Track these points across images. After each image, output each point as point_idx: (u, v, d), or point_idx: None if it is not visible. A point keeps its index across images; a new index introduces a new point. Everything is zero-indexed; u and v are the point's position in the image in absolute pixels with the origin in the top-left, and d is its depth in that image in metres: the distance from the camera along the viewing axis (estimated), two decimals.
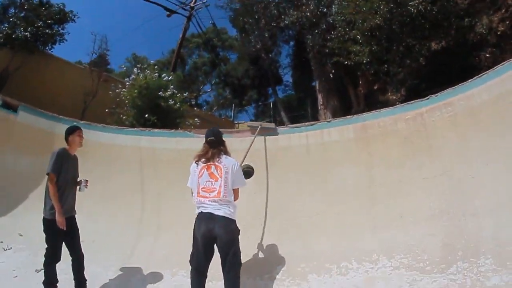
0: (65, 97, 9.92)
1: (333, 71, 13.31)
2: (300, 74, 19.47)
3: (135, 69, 8.65)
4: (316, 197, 4.97)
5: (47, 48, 10.76)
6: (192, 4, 18.07)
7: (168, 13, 17.15)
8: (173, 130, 6.17)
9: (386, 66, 10.05)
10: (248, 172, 4.86)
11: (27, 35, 9.70)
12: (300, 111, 18.89)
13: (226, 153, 3.76)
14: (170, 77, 8.81)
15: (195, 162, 3.71)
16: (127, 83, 8.74)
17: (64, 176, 3.95)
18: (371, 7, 9.22)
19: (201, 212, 3.43)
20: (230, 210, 3.44)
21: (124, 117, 8.12)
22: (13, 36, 9.59)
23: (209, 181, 3.51)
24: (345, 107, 13.58)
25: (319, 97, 14.83)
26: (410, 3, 8.47)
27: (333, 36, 11.27)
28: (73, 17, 11.10)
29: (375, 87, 13.34)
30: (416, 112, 4.66)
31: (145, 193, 5.72)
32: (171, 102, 8.25)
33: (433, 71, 9.70)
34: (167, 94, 8.26)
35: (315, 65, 14.54)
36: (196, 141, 5.57)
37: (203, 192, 3.48)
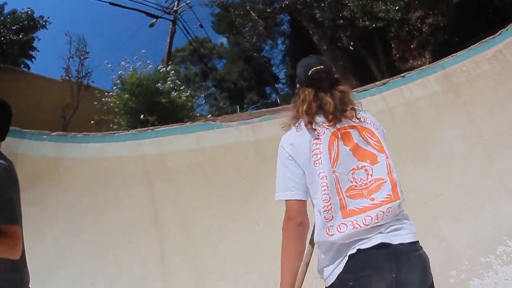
0: (42, 115, 7.70)
1: (351, 42, 11.36)
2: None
3: (120, 72, 6.46)
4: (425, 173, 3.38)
5: (19, 62, 8.75)
6: (175, 8, 16.30)
7: (151, 21, 15.25)
8: (188, 123, 4.04)
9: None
10: None
11: None
12: None
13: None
14: (170, 67, 6.74)
15: (306, 127, 1.37)
16: (115, 90, 6.58)
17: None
18: None
19: (360, 250, 1.22)
20: (412, 225, 1.36)
21: (115, 127, 5.94)
22: None
23: (359, 168, 1.33)
24: (366, 84, 11.76)
25: None
26: None
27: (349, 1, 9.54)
28: (43, 23, 9.03)
29: (401, 54, 11.52)
30: (493, 50, 3.86)
31: (163, 225, 3.50)
32: (174, 95, 6.11)
33: (457, 25, 8.32)
34: (168, 87, 6.12)
35: (325, 45, 12.68)
36: (228, 133, 3.59)
37: (355, 201, 1.29)
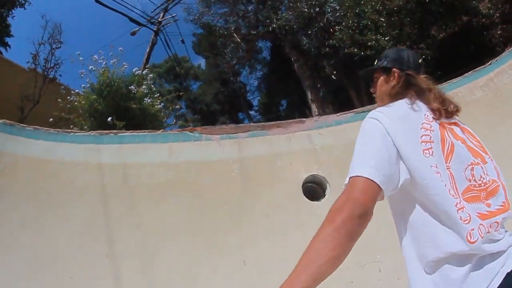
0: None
1: (334, 72, 11.25)
2: (278, 92, 17.79)
3: (90, 67, 5.57)
4: None
5: None
6: (160, 19, 15.80)
7: (134, 30, 14.60)
8: (160, 131, 3.29)
9: None
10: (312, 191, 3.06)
11: None
12: None
13: None
14: (146, 71, 5.98)
15: (415, 108, 1.15)
16: (83, 89, 5.72)
17: None
18: None
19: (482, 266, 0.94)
20: None
21: (75, 128, 5.04)
22: None
23: (476, 164, 1.08)
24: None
25: (313, 107, 12.74)
26: None
27: (341, 29, 9.58)
28: (23, 1, 8.11)
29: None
30: (485, 79, 3.97)
31: (118, 258, 2.64)
32: (147, 101, 5.32)
33: (441, 59, 8.32)
34: (141, 92, 5.32)
35: (307, 73, 12.56)
36: (208, 148, 2.96)
37: (471, 205, 1.00)
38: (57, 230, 2.77)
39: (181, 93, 12.87)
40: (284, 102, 20.30)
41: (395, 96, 1.25)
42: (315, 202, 3.10)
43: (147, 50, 14.65)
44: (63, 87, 6.56)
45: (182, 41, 18.74)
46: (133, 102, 5.17)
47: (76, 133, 3.21)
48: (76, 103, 5.52)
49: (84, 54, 5.68)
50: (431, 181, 0.99)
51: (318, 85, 12.46)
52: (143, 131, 3.19)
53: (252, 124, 3.38)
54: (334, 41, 9.74)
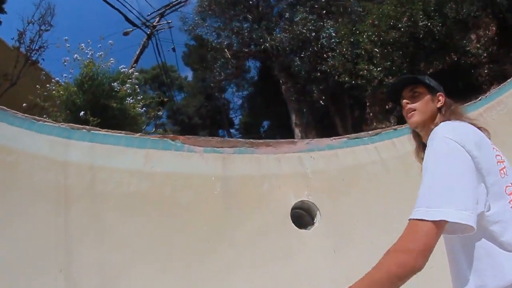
0: None
1: (323, 97, 11.19)
2: (261, 112, 17.72)
3: (75, 56, 5.14)
4: None
5: None
6: (155, 23, 15.55)
7: (127, 30, 14.28)
8: (138, 135, 2.93)
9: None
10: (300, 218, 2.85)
11: None
12: None
13: None
14: (132, 69, 5.61)
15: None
16: (64, 78, 5.29)
17: None
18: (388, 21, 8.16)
19: None
20: None
21: (48, 119, 4.57)
22: None
23: None
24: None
25: (296, 131, 12.60)
26: (421, 23, 7.63)
27: (335, 55, 9.58)
28: None
29: (367, 115, 11.63)
30: (475, 113, 4.00)
31: (74, 276, 2.22)
32: (128, 101, 4.92)
33: None
34: (124, 91, 4.89)
35: (294, 96, 12.51)
36: (190, 160, 2.65)
37: None
38: (3, 236, 2.34)
39: (165, 99, 12.47)
40: (266, 123, 20.26)
41: (441, 117, 1.24)
42: (303, 230, 2.79)
43: (137, 52, 14.34)
44: (44, 72, 6.12)
45: (173, 49, 18.52)
46: (114, 100, 4.77)
47: (45, 123, 2.79)
48: (54, 92, 5.08)
49: (72, 42, 5.27)
50: (501, 205, 0.93)
51: (304, 110, 12.39)
52: (119, 131, 2.82)
53: (240, 140, 3.09)
54: (325, 67, 9.73)
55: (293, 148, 3.33)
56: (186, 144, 2.90)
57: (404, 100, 1.32)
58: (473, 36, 9.61)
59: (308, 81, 11.06)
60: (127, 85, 4.91)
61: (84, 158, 2.64)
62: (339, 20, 10.27)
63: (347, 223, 2.97)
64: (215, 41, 13.97)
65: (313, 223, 2.87)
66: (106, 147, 2.67)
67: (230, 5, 13.36)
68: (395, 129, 3.81)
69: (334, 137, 3.70)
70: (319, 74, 10.26)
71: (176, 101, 22.21)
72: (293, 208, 2.86)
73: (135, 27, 14.59)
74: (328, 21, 10.62)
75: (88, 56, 4.92)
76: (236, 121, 22.41)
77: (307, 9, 11.33)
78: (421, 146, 1.33)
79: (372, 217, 3.05)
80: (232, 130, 22.04)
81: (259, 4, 13.50)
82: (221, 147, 3.03)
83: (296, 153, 3.30)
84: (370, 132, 3.80)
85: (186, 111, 21.05)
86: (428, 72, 8.78)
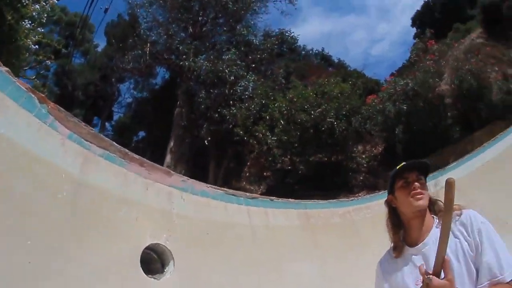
0: None
1: (209, 138, 10.93)
2: (143, 121, 16.86)
3: None
4: None
5: None
6: None
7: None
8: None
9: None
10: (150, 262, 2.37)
11: None
12: None
13: None
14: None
15: None
16: None
17: None
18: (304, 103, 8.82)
19: None
20: None
21: None
22: None
23: None
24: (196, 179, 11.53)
25: (168, 157, 11.92)
26: (329, 119, 8.39)
27: (241, 106, 9.56)
28: None
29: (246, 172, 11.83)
30: (345, 210, 4.47)
31: None
32: (25, 25, 3.79)
33: (314, 177, 9.44)
34: (31, 11, 3.77)
35: (184, 121, 11.95)
36: (45, 139, 2.10)
37: None
38: None
39: (63, 52, 10.69)
40: (142, 133, 18.97)
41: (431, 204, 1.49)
42: (152, 279, 2.24)
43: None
44: None
45: (105, 11, 16.45)
46: (13, 13, 3.57)
47: None
48: None
49: None
50: None
51: (186, 140, 11.82)
52: None
53: (114, 143, 2.44)
54: (227, 112, 9.71)
55: (167, 180, 2.75)
56: (52, 114, 2.13)
57: (416, 183, 1.44)
58: (361, 148, 11.00)
59: (203, 116, 10.80)
60: (38, 5, 3.78)
61: None
62: (262, 80, 10.40)
63: (203, 282, 2.53)
64: (146, 30, 12.99)
65: (163, 272, 2.35)
66: None
67: (181, 8, 12.65)
68: (271, 200, 3.71)
69: (211, 185, 3.27)
70: (217, 115, 10.12)
71: (72, 62, 19.42)
72: (146, 248, 2.31)
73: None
74: (253, 75, 10.78)
75: None
76: (115, 117, 20.75)
77: (240, 55, 11.42)
78: (394, 218, 1.52)
79: (234, 281, 2.69)
80: (107, 124, 20.44)
81: (206, 24, 13.16)
82: (90, 142, 2.32)
83: (168, 186, 2.76)
84: (247, 194, 3.58)
85: (75, 79, 18.78)
86: (315, 160, 9.36)
